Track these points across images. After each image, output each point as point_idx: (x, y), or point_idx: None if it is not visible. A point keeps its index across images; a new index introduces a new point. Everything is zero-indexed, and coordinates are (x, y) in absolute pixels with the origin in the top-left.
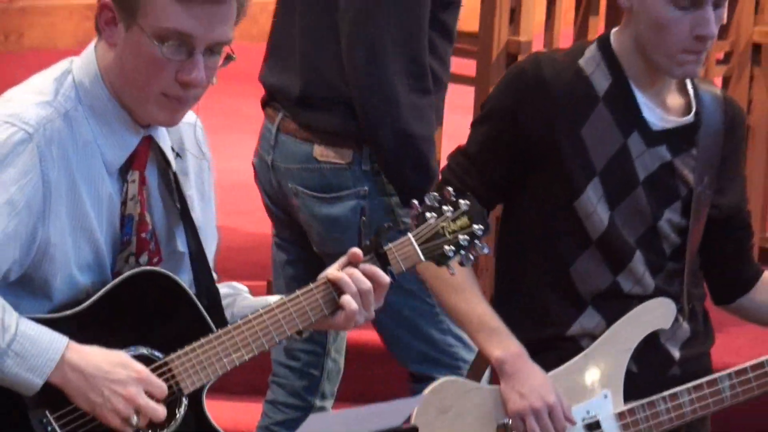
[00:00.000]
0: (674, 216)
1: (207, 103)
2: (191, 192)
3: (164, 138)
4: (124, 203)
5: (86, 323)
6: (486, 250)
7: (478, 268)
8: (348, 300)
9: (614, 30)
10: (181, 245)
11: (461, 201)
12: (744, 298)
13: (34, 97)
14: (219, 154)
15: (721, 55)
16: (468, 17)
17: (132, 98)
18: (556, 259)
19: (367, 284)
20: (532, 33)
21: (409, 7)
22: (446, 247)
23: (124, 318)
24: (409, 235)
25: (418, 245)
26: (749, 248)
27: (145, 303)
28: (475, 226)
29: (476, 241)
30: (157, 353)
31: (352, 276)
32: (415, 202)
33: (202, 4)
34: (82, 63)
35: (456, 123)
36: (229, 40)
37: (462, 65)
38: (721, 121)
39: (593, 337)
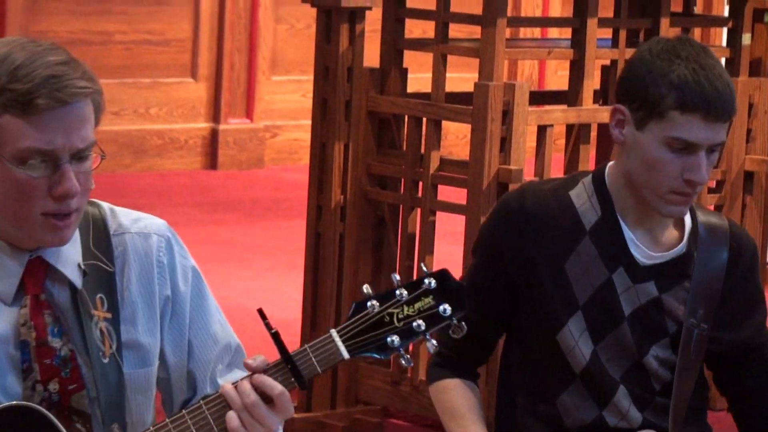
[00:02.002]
0: (662, 352)
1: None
2: (126, 305)
3: (62, 255)
4: (17, 330)
5: None
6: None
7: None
8: (230, 416)
9: (610, 163)
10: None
11: (425, 280)
12: None
13: None
14: None
15: (713, 183)
16: (465, 145)
17: (14, 228)
18: (543, 390)
19: (252, 397)
20: (524, 161)
21: None
22: (389, 338)
23: None
24: (331, 331)
25: (343, 340)
26: None
27: None
28: (441, 307)
29: (440, 325)
30: None
31: (238, 388)
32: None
33: (51, 113)
34: None
35: (446, 251)
36: (91, 143)
37: (453, 193)
38: (723, 253)
39: None
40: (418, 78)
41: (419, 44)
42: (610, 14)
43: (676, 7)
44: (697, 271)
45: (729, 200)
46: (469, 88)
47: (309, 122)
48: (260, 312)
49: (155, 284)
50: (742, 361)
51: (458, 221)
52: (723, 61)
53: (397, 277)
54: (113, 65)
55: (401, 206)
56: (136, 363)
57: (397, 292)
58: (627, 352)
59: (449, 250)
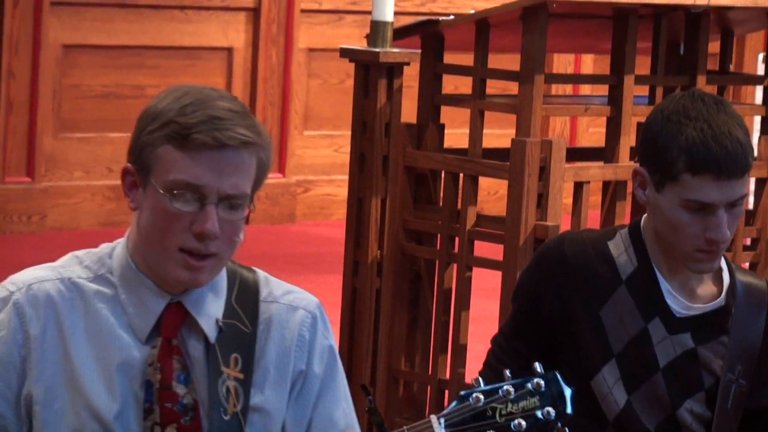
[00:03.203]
0: (696, 406)
1: None
2: (260, 371)
3: (203, 306)
4: (145, 369)
5: None
6: None
7: None
8: None
9: (645, 215)
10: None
11: (534, 380)
12: None
13: (44, 265)
14: None
15: (748, 241)
16: (496, 201)
17: (153, 260)
18: None
19: None
20: (561, 217)
21: None
22: None
23: None
24: (432, 416)
25: (443, 426)
26: None
27: None
28: (545, 410)
29: (540, 426)
30: None
31: None
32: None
33: (207, 152)
34: (124, 238)
35: (481, 306)
36: (242, 193)
37: (489, 249)
38: (763, 313)
39: None
40: (454, 133)
41: (456, 100)
42: (647, 71)
43: (712, 65)
44: (735, 328)
45: (764, 258)
46: (502, 143)
47: (341, 177)
48: (364, 387)
49: (292, 357)
50: None
51: (494, 277)
52: (759, 119)
53: (508, 373)
54: None
55: (437, 261)
56: (260, 427)
57: (504, 388)
58: (661, 403)
59: (485, 306)
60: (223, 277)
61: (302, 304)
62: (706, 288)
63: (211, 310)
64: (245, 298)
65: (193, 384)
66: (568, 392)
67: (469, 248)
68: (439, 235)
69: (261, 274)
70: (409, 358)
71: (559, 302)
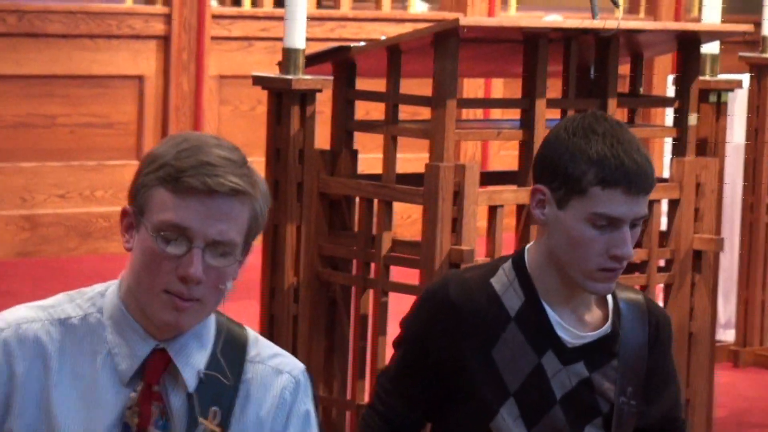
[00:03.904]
0: (594, 431)
1: None
2: (237, 427)
3: (187, 356)
4: (124, 412)
5: None
6: None
7: None
8: None
9: (528, 246)
10: None
11: None
12: None
13: (35, 304)
14: None
15: (662, 263)
16: (410, 225)
17: (141, 300)
18: None
19: None
20: (475, 241)
21: None
22: None
23: None
24: None
25: None
26: None
27: None
28: None
29: None
30: None
31: None
32: None
33: (197, 197)
34: (118, 278)
35: (398, 331)
36: (230, 240)
37: (405, 274)
38: (644, 329)
39: None
40: (368, 158)
41: (369, 126)
42: (558, 95)
43: (623, 87)
44: (623, 348)
45: (678, 279)
46: (415, 168)
47: None
48: None
49: (271, 417)
50: (662, 428)
51: (410, 302)
52: (670, 141)
53: None
54: (58, 148)
55: (354, 287)
56: None
57: None
58: None
59: None
60: (210, 328)
61: (287, 368)
62: (593, 314)
63: (194, 360)
64: (231, 353)
65: (170, 431)
66: None
67: (386, 273)
68: (354, 261)
69: (251, 333)
70: (327, 383)
71: (449, 349)
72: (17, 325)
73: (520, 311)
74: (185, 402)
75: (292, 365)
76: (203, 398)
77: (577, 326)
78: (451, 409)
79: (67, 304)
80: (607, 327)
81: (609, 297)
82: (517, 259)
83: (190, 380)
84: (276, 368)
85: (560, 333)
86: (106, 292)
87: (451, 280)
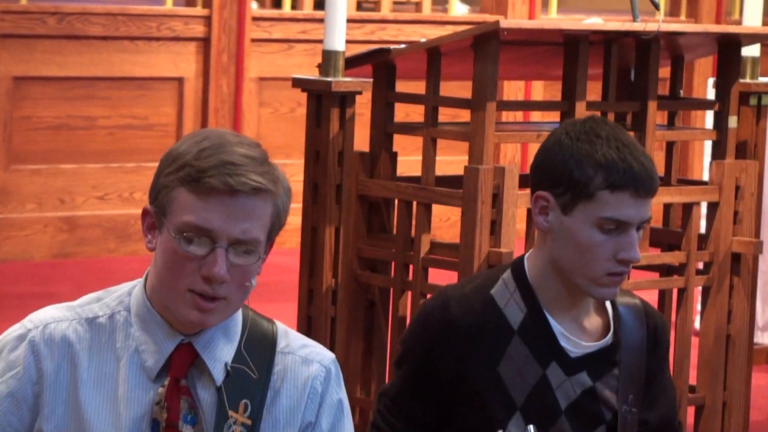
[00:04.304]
0: None
1: None
2: (269, 419)
3: (213, 349)
4: (152, 407)
5: None
6: None
7: None
8: None
9: (528, 254)
10: None
11: None
12: None
13: (64, 304)
14: None
15: (700, 266)
16: (449, 228)
17: (166, 300)
18: None
19: None
20: (514, 243)
21: None
22: None
23: None
24: None
25: None
26: None
27: None
28: None
29: None
30: None
31: None
32: None
33: (219, 197)
34: (143, 277)
35: None
36: (254, 239)
37: (443, 276)
38: (643, 334)
39: None
40: (407, 161)
41: (409, 128)
42: (598, 98)
43: (663, 90)
44: (623, 355)
45: (717, 282)
46: (454, 170)
47: (293, 206)
48: None
49: (303, 407)
50: None
51: None
52: (710, 144)
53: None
54: (97, 150)
55: (392, 289)
56: None
57: None
58: None
59: None
60: (237, 322)
61: (318, 358)
62: (594, 321)
63: (221, 353)
64: (259, 346)
65: (199, 425)
66: None
67: (424, 275)
68: (393, 263)
69: (280, 326)
70: (364, 385)
71: (453, 368)
72: (45, 326)
73: (523, 324)
74: (214, 396)
75: (322, 355)
76: (232, 391)
77: (579, 335)
78: (457, 425)
79: (94, 303)
80: (609, 337)
81: (608, 303)
82: (517, 269)
83: (218, 374)
84: (305, 358)
85: (564, 344)
86: (133, 290)
87: (451, 297)
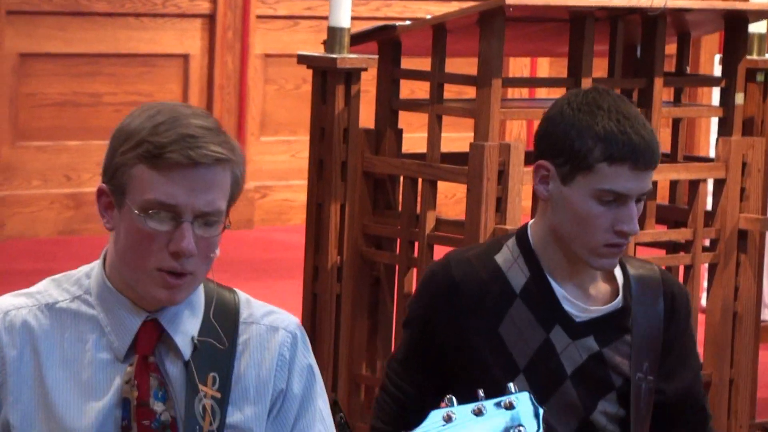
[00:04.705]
0: (610, 407)
1: None
2: (238, 390)
3: (179, 324)
4: (122, 387)
5: None
6: None
7: None
8: None
9: (531, 221)
10: None
11: (503, 398)
12: None
13: (22, 291)
14: None
15: (707, 242)
16: (454, 204)
17: (131, 279)
18: None
19: None
20: (520, 220)
21: None
22: None
23: None
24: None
25: None
26: None
27: None
28: (515, 429)
29: None
30: None
31: None
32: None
33: (181, 171)
34: (99, 258)
35: None
36: (217, 210)
37: None
38: (660, 302)
39: None
40: (412, 137)
41: (414, 105)
42: (604, 74)
43: (669, 66)
44: (637, 324)
45: (723, 259)
46: (460, 147)
47: (298, 182)
48: (336, 404)
49: (272, 376)
50: (681, 409)
51: None
52: (716, 120)
53: (482, 393)
54: (103, 126)
55: (397, 266)
56: None
57: (475, 406)
58: (574, 410)
59: None
60: (200, 295)
61: (283, 324)
62: (600, 288)
63: (186, 327)
64: (223, 317)
65: (170, 401)
66: (540, 411)
67: (429, 252)
68: (398, 240)
69: (242, 295)
70: (370, 363)
71: (455, 329)
72: (4, 313)
73: (526, 287)
74: (183, 371)
75: (286, 321)
76: (200, 365)
77: (583, 300)
78: (461, 390)
79: (53, 289)
80: (617, 301)
81: (619, 273)
82: (521, 236)
83: (185, 348)
84: (270, 326)
85: (567, 307)
86: (92, 272)
87: (453, 260)
